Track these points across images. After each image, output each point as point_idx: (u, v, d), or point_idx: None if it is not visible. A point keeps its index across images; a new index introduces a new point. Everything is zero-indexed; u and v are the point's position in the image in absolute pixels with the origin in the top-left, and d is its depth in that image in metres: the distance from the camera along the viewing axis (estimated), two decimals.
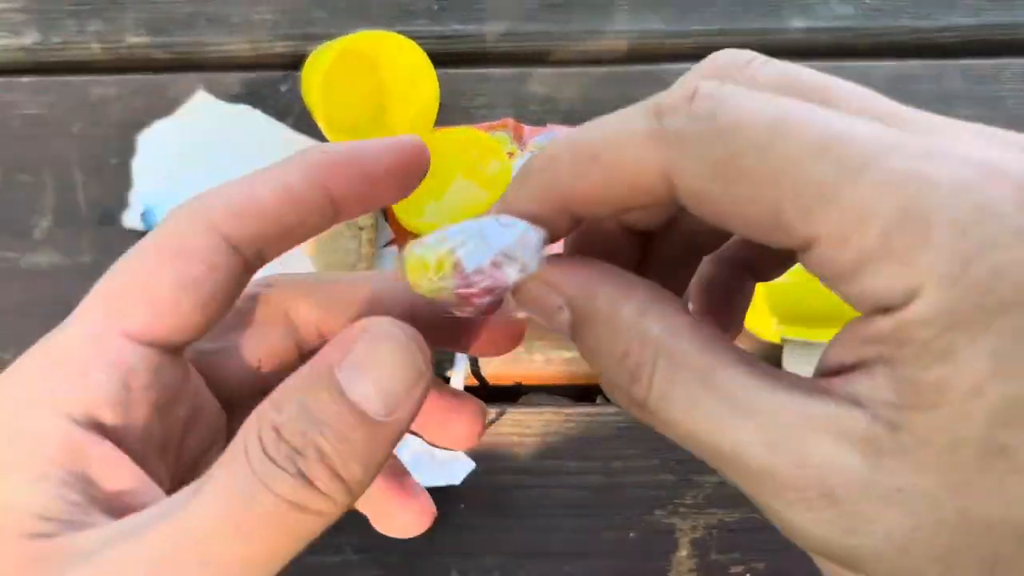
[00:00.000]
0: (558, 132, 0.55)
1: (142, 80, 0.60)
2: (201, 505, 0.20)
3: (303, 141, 0.56)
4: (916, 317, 0.16)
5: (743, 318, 0.27)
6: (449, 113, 0.57)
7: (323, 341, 0.26)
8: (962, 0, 0.59)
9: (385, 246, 0.53)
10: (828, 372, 0.19)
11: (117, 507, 0.21)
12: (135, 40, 0.62)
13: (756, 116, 0.18)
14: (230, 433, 0.25)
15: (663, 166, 0.19)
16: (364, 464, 0.21)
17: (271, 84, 0.59)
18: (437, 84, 0.54)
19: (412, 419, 0.22)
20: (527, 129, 0.56)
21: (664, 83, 0.19)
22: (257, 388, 0.27)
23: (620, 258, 0.24)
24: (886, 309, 0.17)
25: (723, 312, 0.26)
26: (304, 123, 0.57)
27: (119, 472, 0.21)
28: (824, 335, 0.45)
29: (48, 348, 0.22)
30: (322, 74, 0.50)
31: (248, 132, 0.57)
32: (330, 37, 0.54)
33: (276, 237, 0.24)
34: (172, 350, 0.23)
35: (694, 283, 0.27)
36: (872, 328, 0.17)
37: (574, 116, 0.57)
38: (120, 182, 0.56)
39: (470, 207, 0.51)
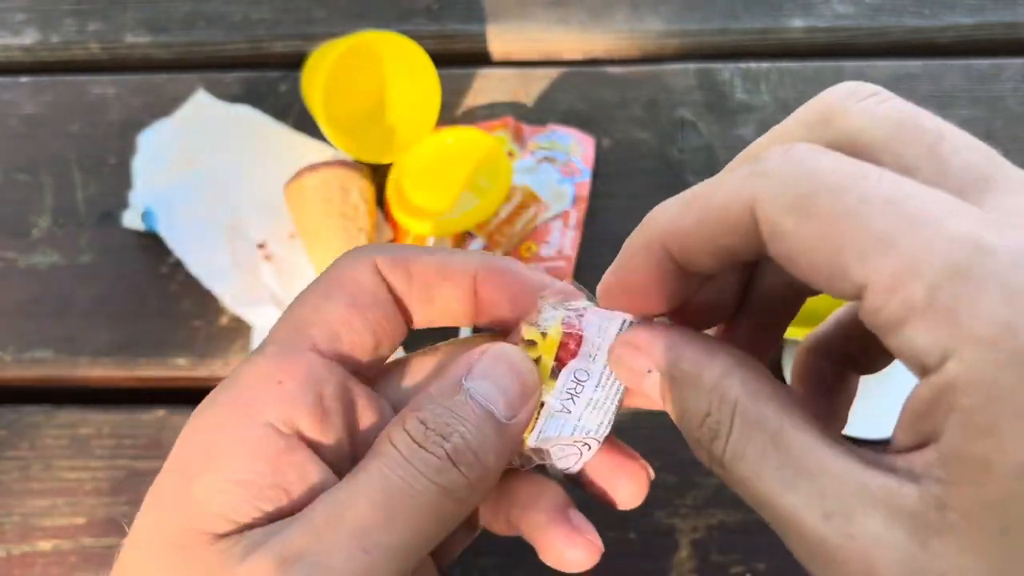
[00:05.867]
0: (558, 131, 0.55)
1: (141, 80, 0.60)
2: (359, 498, 0.22)
3: (303, 141, 0.56)
4: (952, 381, 0.16)
5: (847, 411, 0.27)
6: (449, 113, 0.57)
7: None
8: None
9: None
10: (895, 450, 0.18)
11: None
12: (134, 40, 0.62)
13: (839, 166, 0.18)
14: None
15: (750, 196, 0.19)
16: (496, 456, 0.23)
17: (271, 84, 0.59)
18: (439, 84, 0.54)
19: (524, 427, 0.25)
20: (527, 128, 0.56)
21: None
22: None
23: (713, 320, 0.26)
24: (925, 370, 0.17)
25: (825, 405, 0.26)
26: (304, 123, 0.57)
27: (312, 484, 0.23)
28: None
29: (249, 364, 0.24)
30: (324, 74, 0.49)
31: (247, 132, 0.57)
32: (330, 37, 0.54)
33: (427, 300, 0.26)
34: (352, 369, 0.26)
35: (795, 376, 0.27)
36: (919, 399, 0.17)
37: (574, 116, 0.57)
38: (119, 182, 0.56)
39: (467, 212, 0.51)
